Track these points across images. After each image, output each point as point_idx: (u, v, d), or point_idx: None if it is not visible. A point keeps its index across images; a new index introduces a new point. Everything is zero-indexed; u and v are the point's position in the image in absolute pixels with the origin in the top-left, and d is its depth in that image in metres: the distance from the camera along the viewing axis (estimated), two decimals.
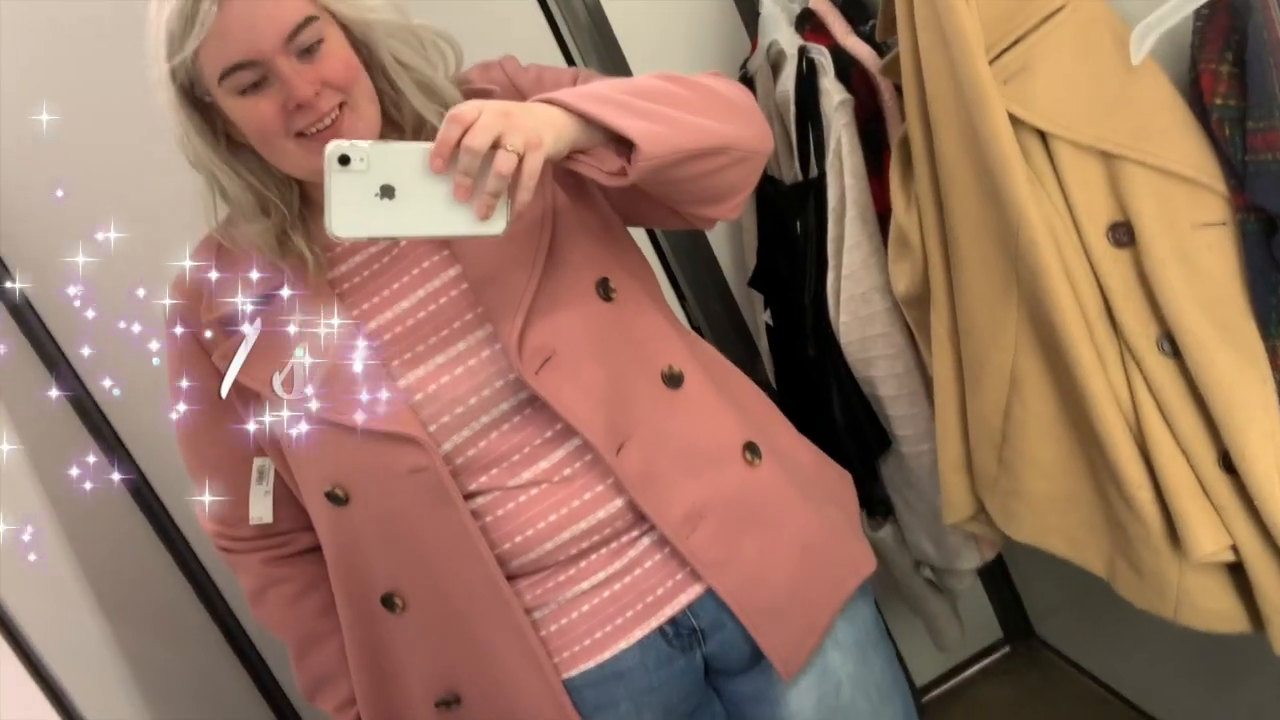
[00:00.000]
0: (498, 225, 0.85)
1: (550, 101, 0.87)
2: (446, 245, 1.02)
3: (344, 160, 0.82)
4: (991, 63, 0.97)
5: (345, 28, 0.97)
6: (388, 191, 0.83)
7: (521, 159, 0.82)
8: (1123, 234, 0.99)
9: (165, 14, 0.91)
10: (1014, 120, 0.99)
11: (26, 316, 1.45)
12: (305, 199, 1.04)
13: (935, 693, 2.01)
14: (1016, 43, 0.97)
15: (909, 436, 1.42)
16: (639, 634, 1.02)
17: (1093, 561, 1.16)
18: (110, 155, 1.44)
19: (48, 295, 1.45)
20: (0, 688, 0.81)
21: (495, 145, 0.82)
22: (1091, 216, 1.00)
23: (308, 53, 0.93)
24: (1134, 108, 0.96)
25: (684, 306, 1.73)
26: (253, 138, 0.97)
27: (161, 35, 0.92)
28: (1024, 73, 0.97)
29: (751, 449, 1.06)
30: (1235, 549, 1.00)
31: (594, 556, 1.02)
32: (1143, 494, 1.03)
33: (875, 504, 1.56)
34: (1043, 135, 1.00)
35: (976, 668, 2.03)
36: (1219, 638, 1.07)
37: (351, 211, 0.83)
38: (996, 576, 1.97)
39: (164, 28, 0.92)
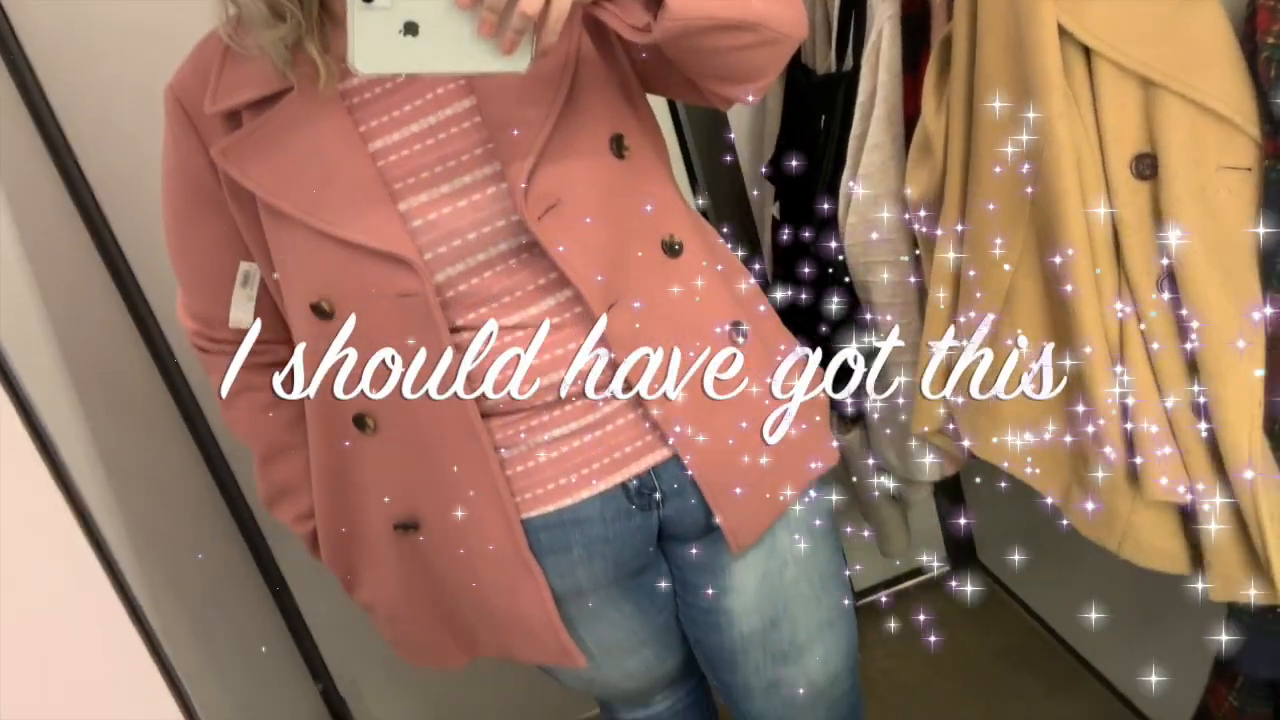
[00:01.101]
0: (521, 63, 0.84)
1: None
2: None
3: None
4: None
5: None
6: (411, 28, 0.82)
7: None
8: (1146, 166, 0.98)
9: None
10: (1062, 32, 0.96)
11: (33, 95, 1.41)
12: (325, 6, 1.01)
13: (871, 598, 2.08)
14: None
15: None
16: (601, 486, 1.04)
17: (1049, 487, 1.18)
18: None
19: (53, 63, 1.41)
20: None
21: None
22: (1120, 143, 0.98)
23: None
24: (1185, 37, 0.93)
25: (693, 187, 1.70)
26: None
27: None
28: None
29: (738, 329, 1.06)
30: (1191, 493, 1.02)
31: (569, 406, 1.03)
32: (1112, 426, 1.04)
33: (846, 407, 1.58)
34: (1087, 52, 0.97)
35: (915, 581, 2.09)
36: (1152, 587, 1.10)
37: (374, 47, 0.82)
38: (952, 499, 2.02)
39: None
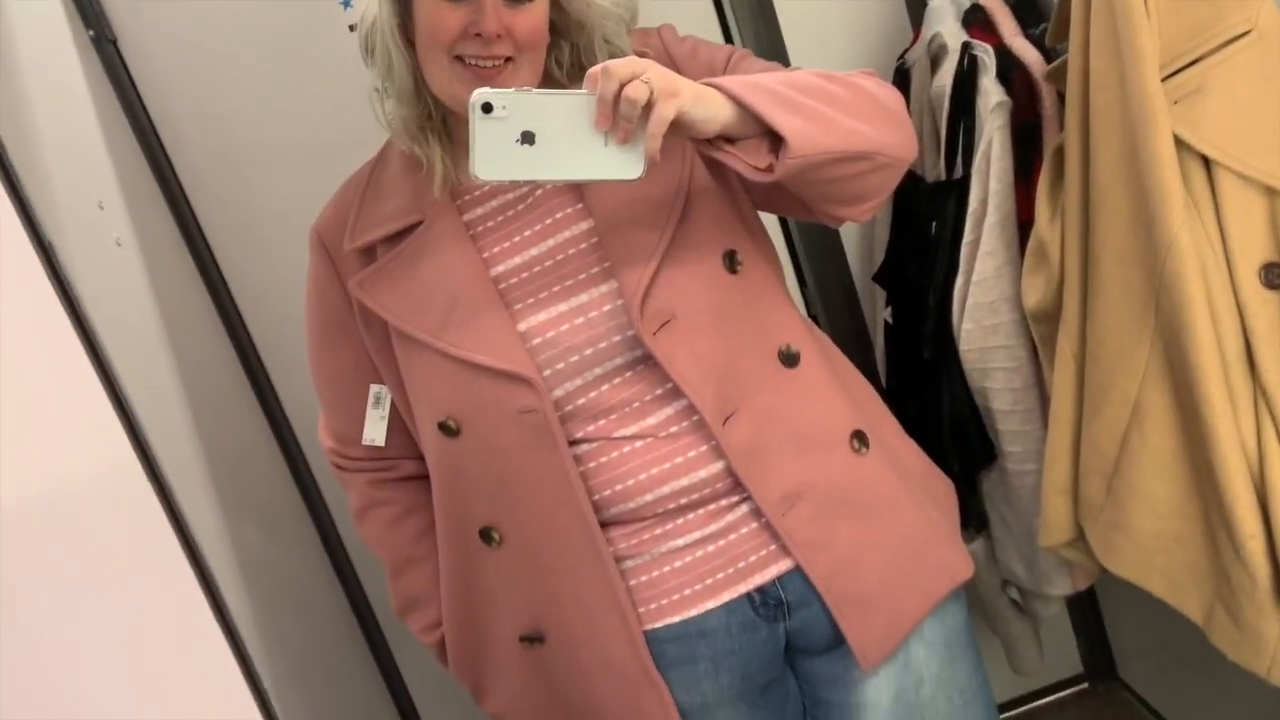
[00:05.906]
0: (635, 169, 0.88)
1: (711, 85, 0.89)
2: (580, 199, 1.05)
3: (487, 108, 0.86)
4: (1164, 80, 0.94)
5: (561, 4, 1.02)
6: (528, 138, 0.87)
7: (651, 104, 0.85)
8: (1276, 275, 0.95)
9: None
10: (1179, 143, 0.96)
11: (187, 223, 1.54)
12: (446, 126, 1.08)
13: (1006, 715, 1.97)
14: (1194, 63, 0.94)
15: (1016, 454, 1.40)
16: (727, 597, 1.04)
17: (1190, 607, 1.12)
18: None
19: (204, 189, 1.54)
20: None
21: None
22: (1246, 253, 0.96)
23: (517, 0, 0.97)
24: None
25: (804, 293, 1.72)
26: (422, 37, 1.01)
27: None
28: (1197, 94, 0.94)
29: (860, 438, 1.06)
30: None
31: (690, 515, 1.04)
32: (1255, 544, 0.99)
33: (970, 517, 1.53)
34: (1207, 162, 0.96)
35: (1052, 698, 1.98)
36: None
37: (494, 156, 0.87)
38: (1085, 609, 1.92)
39: None
